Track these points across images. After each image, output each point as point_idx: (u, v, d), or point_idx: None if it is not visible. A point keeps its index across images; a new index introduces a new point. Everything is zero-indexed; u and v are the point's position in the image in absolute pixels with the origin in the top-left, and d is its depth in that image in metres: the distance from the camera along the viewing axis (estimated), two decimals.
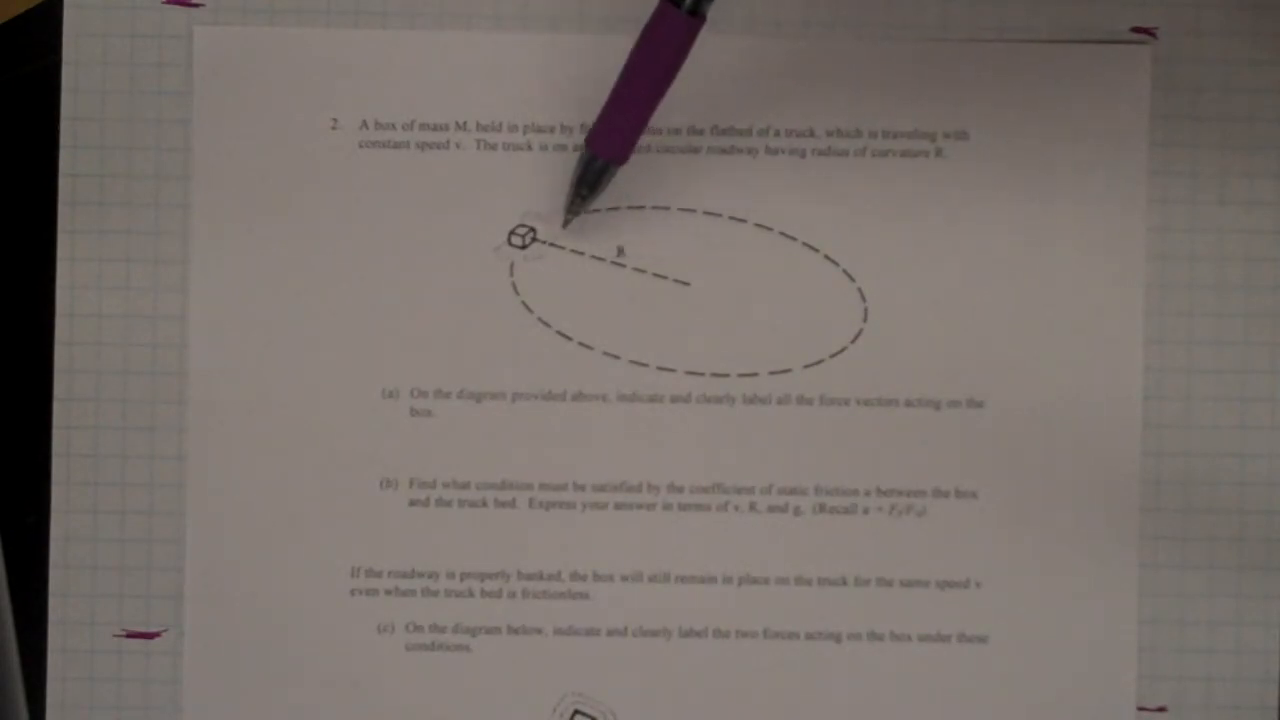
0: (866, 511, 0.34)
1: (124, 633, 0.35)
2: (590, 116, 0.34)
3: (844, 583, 0.35)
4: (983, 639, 0.35)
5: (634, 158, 0.34)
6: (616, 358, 0.34)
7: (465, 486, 0.35)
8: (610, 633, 0.35)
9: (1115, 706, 0.34)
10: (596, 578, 0.35)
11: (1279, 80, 0.34)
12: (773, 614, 0.35)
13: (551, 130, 0.34)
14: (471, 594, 0.35)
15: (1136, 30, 0.34)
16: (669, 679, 0.35)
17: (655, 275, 0.34)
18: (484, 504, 0.35)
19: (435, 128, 0.34)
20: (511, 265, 0.34)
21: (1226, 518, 0.34)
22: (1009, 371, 0.34)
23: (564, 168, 0.34)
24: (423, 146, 0.34)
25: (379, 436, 0.35)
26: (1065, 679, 0.34)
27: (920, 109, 0.34)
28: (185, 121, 0.34)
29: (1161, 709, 0.34)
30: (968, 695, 0.34)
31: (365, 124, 0.34)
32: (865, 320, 0.34)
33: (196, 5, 0.34)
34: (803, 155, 0.34)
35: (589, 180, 0.33)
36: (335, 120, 0.34)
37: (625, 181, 0.34)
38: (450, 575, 0.35)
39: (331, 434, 0.34)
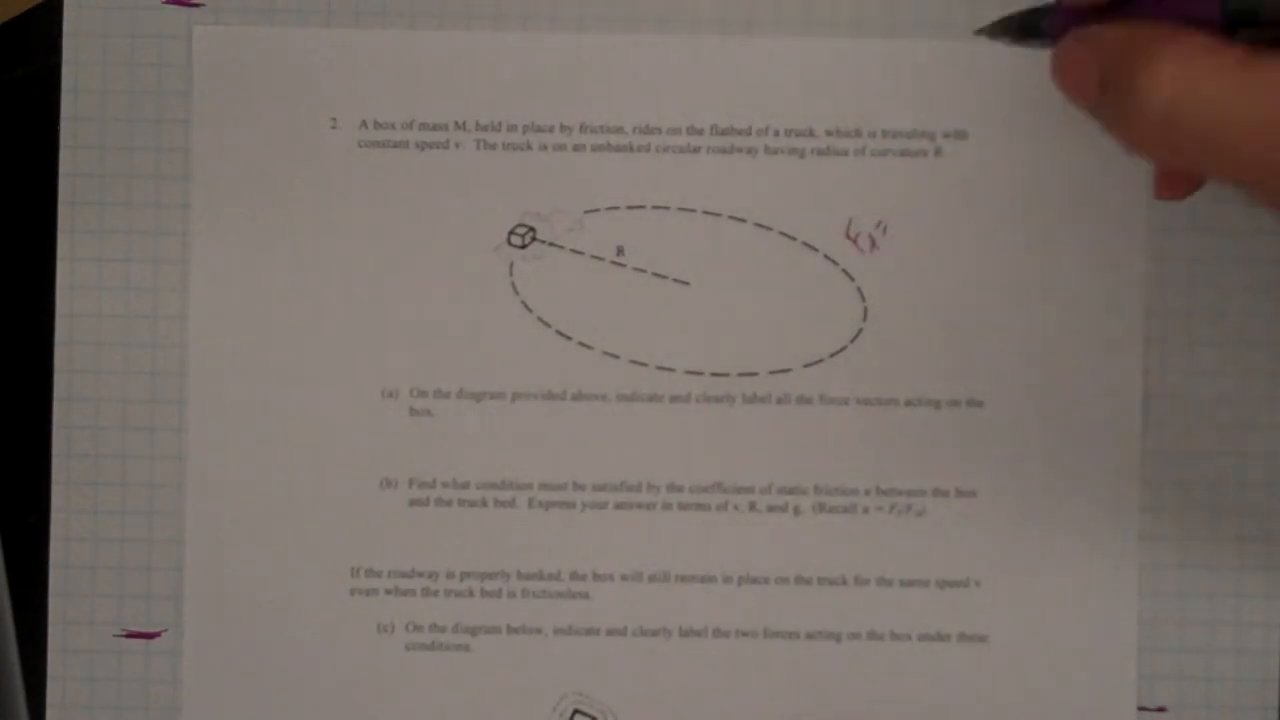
0: (866, 511, 0.34)
1: (124, 633, 0.35)
2: (588, 114, 0.34)
3: (844, 583, 0.35)
4: (983, 639, 0.34)
5: (634, 157, 0.34)
6: (616, 357, 0.34)
7: (465, 486, 0.35)
8: (610, 633, 0.35)
9: (1115, 706, 0.34)
10: (596, 578, 0.35)
11: None
12: (773, 614, 0.35)
13: (551, 130, 0.34)
14: (471, 594, 0.35)
15: None
16: (669, 679, 0.35)
17: (655, 275, 0.34)
18: (484, 504, 0.35)
19: (435, 127, 0.34)
20: (511, 265, 0.34)
21: (1226, 518, 0.34)
22: (1009, 371, 0.34)
23: (563, 167, 0.34)
24: (422, 146, 0.34)
25: (379, 436, 0.35)
26: (1065, 679, 0.34)
27: (920, 109, 0.34)
28: (185, 121, 0.34)
29: (1161, 709, 0.34)
30: (968, 695, 0.34)
31: (365, 124, 0.34)
32: (865, 320, 0.34)
33: (196, 5, 0.34)
34: (802, 155, 0.34)
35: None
36: (335, 120, 0.34)
37: (625, 181, 0.34)
38: (450, 575, 0.35)
39: (331, 434, 0.34)
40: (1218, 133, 0.23)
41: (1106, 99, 0.25)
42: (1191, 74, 0.23)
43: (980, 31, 0.29)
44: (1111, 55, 0.25)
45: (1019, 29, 0.29)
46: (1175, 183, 0.29)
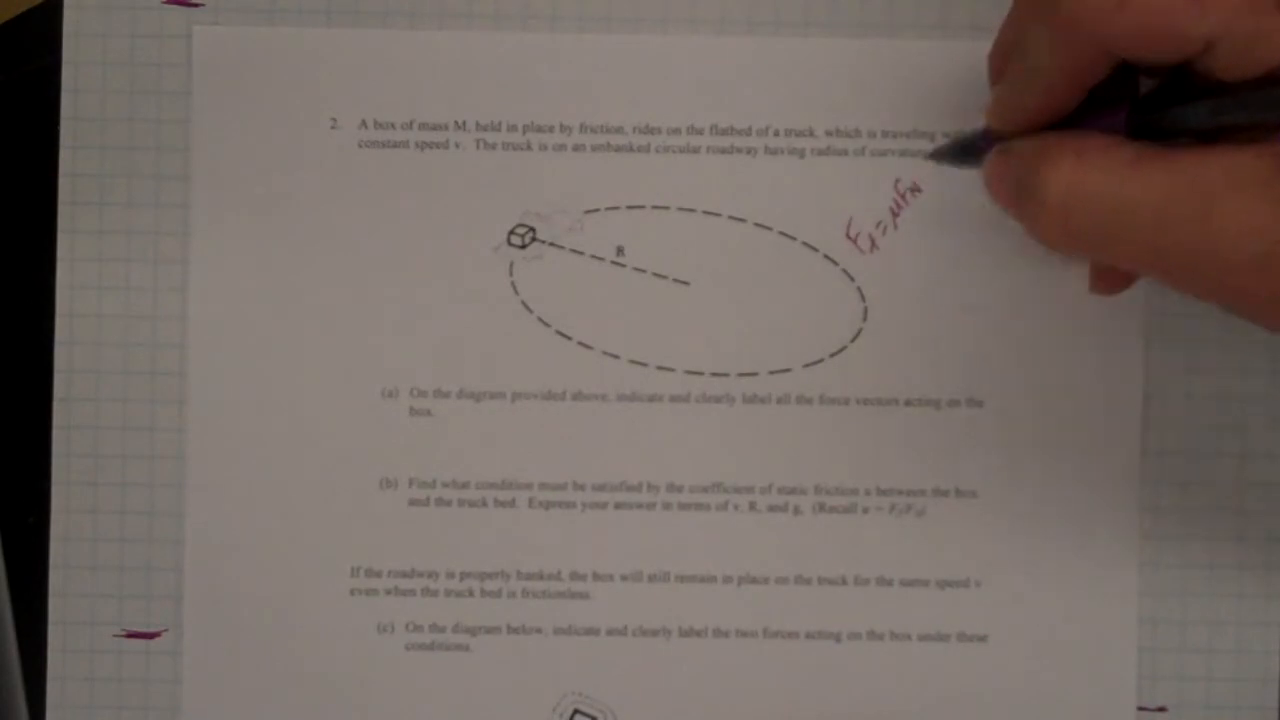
0: (866, 511, 0.34)
1: (124, 633, 0.35)
2: (588, 114, 0.34)
3: (844, 582, 0.35)
4: (983, 639, 0.35)
5: (634, 157, 0.34)
6: (616, 357, 0.34)
7: (465, 486, 0.35)
8: (610, 633, 0.35)
9: (1115, 706, 0.34)
10: (596, 577, 0.35)
11: None
12: (773, 614, 0.35)
13: (551, 130, 0.34)
14: (471, 594, 0.35)
15: None
16: (669, 679, 0.35)
17: (655, 275, 0.34)
18: (484, 504, 0.35)
19: (435, 127, 0.34)
20: (511, 265, 0.34)
21: (1226, 518, 0.34)
22: (1009, 371, 0.34)
23: (563, 167, 0.34)
24: (422, 146, 0.34)
25: (379, 436, 0.35)
26: (1065, 679, 0.34)
27: (920, 109, 0.34)
28: (185, 121, 0.34)
29: (1161, 709, 0.34)
30: (968, 695, 0.34)
31: (365, 124, 0.34)
32: (865, 320, 0.34)
33: (196, 5, 0.34)
34: (802, 155, 0.34)
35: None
36: (335, 120, 0.34)
37: (625, 181, 0.34)
38: (450, 575, 0.35)
39: (331, 434, 0.34)
40: (1108, 224, 0.25)
41: (1020, 200, 0.27)
42: (1084, 171, 0.25)
43: (929, 156, 0.33)
44: (1023, 161, 0.27)
45: (958, 152, 0.32)
46: (1108, 278, 0.32)
